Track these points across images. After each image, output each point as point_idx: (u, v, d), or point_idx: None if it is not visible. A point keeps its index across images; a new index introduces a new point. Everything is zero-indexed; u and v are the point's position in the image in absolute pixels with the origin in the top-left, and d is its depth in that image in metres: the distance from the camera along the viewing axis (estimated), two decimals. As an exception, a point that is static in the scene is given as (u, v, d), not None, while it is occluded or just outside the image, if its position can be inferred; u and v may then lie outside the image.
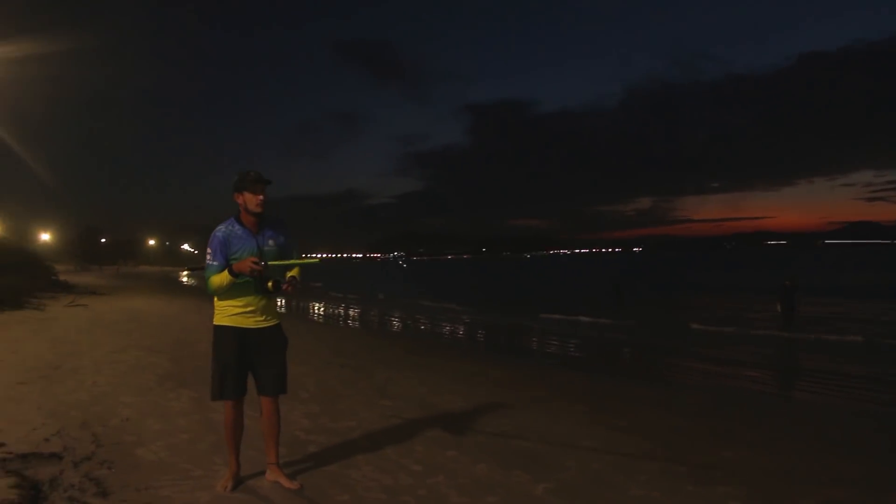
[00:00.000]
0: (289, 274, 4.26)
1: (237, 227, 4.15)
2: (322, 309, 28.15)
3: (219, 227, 4.14)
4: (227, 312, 4.16)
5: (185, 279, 66.29)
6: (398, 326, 21.41)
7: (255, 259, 3.98)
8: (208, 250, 4.10)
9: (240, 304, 4.14)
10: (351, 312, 26.65)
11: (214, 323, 4.21)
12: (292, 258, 4.25)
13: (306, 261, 4.23)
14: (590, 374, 11.33)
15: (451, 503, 4.15)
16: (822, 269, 62.79)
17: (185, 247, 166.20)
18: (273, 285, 4.09)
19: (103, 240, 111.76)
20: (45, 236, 79.01)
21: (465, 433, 5.97)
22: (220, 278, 4.01)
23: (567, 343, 16.47)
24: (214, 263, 4.05)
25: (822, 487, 4.84)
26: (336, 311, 27.07)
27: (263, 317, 4.21)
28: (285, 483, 4.29)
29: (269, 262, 4.09)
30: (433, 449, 5.38)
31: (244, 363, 4.19)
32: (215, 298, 4.19)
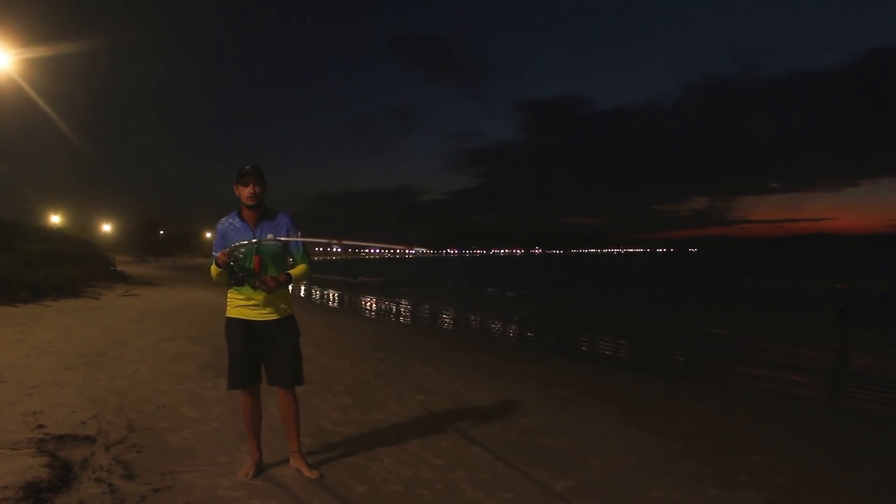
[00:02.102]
0: (293, 272, 4.29)
1: (237, 220, 4.28)
2: (368, 303, 28.40)
3: (221, 220, 4.30)
4: (234, 304, 4.29)
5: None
6: (443, 321, 21.50)
7: (227, 251, 4.07)
8: (213, 242, 4.31)
9: (242, 296, 4.25)
10: (397, 307, 26.82)
11: (226, 315, 4.36)
12: (298, 253, 4.35)
13: (242, 245, 4.17)
14: (627, 374, 11.24)
15: (466, 498, 4.17)
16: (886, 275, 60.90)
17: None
18: (234, 280, 4.13)
19: (161, 232, 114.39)
20: (107, 227, 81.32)
21: (492, 429, 5.98)
22: (214, 268, 4.19)
23: (610, 341, 16.33)
24: (214, 254, 4.20)
25: (849, 496, 4.74)
26: (382, 306, 27.28)
27: (268, 309, 4.28)
28: (305, 472, 4.37)
29: (238, 251, 4.14)
30: (458, 444, 5.41)
31: (252, 353, 4.28)
32: (228, 291, 4.32)
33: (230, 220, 4.28)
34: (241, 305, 4.25)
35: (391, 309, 26.14)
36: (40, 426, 5.06)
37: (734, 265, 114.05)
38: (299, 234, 4.32)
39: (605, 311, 25.15)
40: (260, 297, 4.22)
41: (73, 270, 20.61)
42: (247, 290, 4.20)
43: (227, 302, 4.33)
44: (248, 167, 4.18)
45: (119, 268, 32.96)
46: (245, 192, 4.18)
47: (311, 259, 4.42)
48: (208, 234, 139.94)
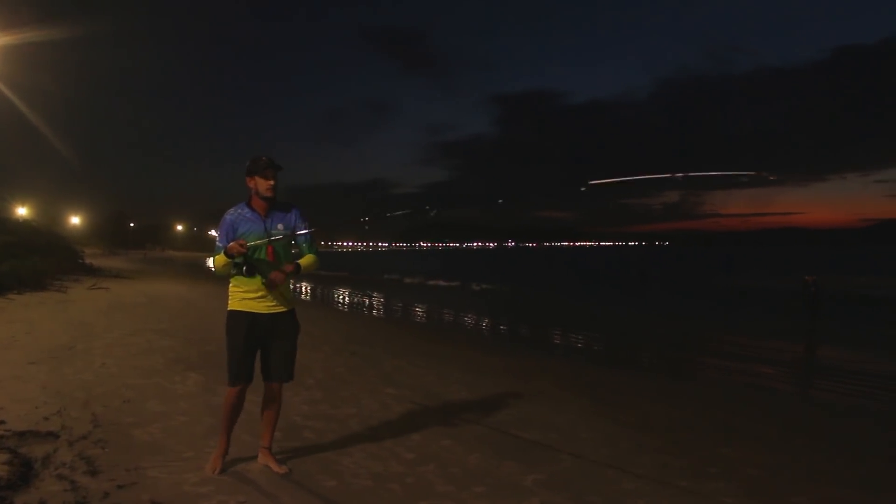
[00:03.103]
0: (301, 261, 4.28)
1: (246, 210, 4.21)
2: (342, 297, 28.29)
3: (229, 211, 4.21)
4: (239, 297, 4.20)
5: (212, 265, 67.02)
6: (417, 315, 21.46)
7: (243, 241, 4.02)
8: (217, 233, 4.18)
9: (251, 288, 4.16)
10: (370, 301, 26.74)
11: (228, 308, 4.24)
12: (305, 245, 4.34)
13: (264, 242, 4.17)
14: (599, 367, 11.32)
15: (436, 492, 4.14)
16: (853, 270, 61.83)
17: (212, 232, 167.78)
18: (247, 269, 4.09)
19: (132, 224, 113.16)
20: (75, 220, 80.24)
21: (464, 423, 5.97)
22: (220, 259, 4.09)
23: (583, 333, 16.40)
24: (220, 245, 4.12)
25: (817, 486, 4.78)
26: (356, 299, 27.19)
27: (275, 302, 4.23)
28: (274, 467, 4.31)
29: (249, 244, 4.08)
30: (429, 438, 5.39)
31: (253, 348, 4.22)
32: (230, 284, 4.24)
33: (239, 211, 4.21)
34: (249, 298, 4.18)
35: (364, 302, 26.05)
36: (1, 422, 4.94)
37: (706, 258, 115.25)
38: (306, 226, 4.31)
39: (578, 304, 25.25)
40: (265, 289, 4.17)
41: (40, 263, 20.27)
42: (256, 281, 4.14)
43: (228, 295, 4.25)
44: (265, 159, 4.14)
45: (88, 261, 32.51)
46: (265, 185, 4.15)
47: (318, 250, 4.42)
48: (179, 227, 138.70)
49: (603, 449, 5.38)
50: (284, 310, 4.30)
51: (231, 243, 4.03)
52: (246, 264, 4.08)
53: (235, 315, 4.20)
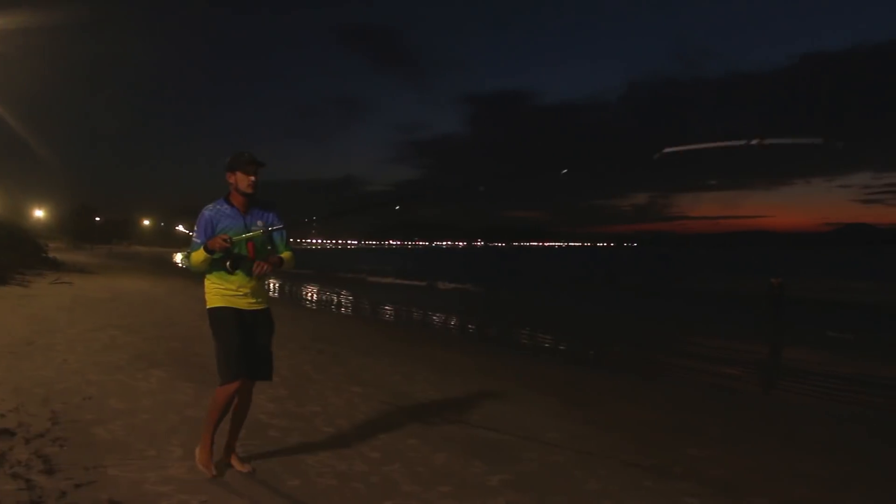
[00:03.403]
0: (283, 256, 4.25)
1: (225, 206, 4.14)
2: (311, 294, 28.12)
3: (207, 207, 4.13)
4: (221, 293, 4.12)
5: (180, 261, 66.17)
6: (385, 313, 21.39)
7: (226, 237, 3.96)
8: (194, 229, 4.10)
9: (232, 286, 4.10)
10: (338, 298, 26.61)
11: (209, 305, 4.15)
12: (282, 242, 4.30)
13: (256, 233, 4.13)
14: (567, 366, 11.39)
15: (401, 491, 4.11)
16: (818, 273, 62.80)
17: (180, 228, 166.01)
18: (231, 264, 4.03)
19: (98, 218, 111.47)
20: (39, 213, 78.87)
21: (430, 422, 5.94)
22: (199, 255, 4.01)
23: (550, 333, 16.46)
24: (198, 241, 4.04)
25: (780, 485, 4.85)
26: (324, 297, 27.03)
27: (255, 299, 4.19)
28: (237, 466, 4.25)
29: (234, 238, 4.03)
30: (395, 437, 5.35)
31: (242, 342, 4.13)
32: (206, 281, 4.16)
33: (218, 207, 4.13)
34: (231, 295, 4.10)
35: (332, 300, 25.91)
36: (-45, 419, 4.82)
37: (673, 260, 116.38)
38: (282, 224, 4.29)
39: (546, 304, 25.36)
40: (250, 285, 4.13)
41: (1, 257, 19.86)
42: (238, 277, 4.08)
43: (206, 292, 4.16)
44: (247, 155, 4.09)
45: (52, 255, 31.95)
46: (247, 181, 4.09)
47: (292, 248, 4.39)
48: (146, 222, 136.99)
49: (569, 449, 5.39)
50: (263, 307, 4.26)
51: (214, 238, 3.96)
52: (230, 259, 4.02)
53: (221, 311, 4.11)
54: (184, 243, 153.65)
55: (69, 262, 30.59)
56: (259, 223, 4.17)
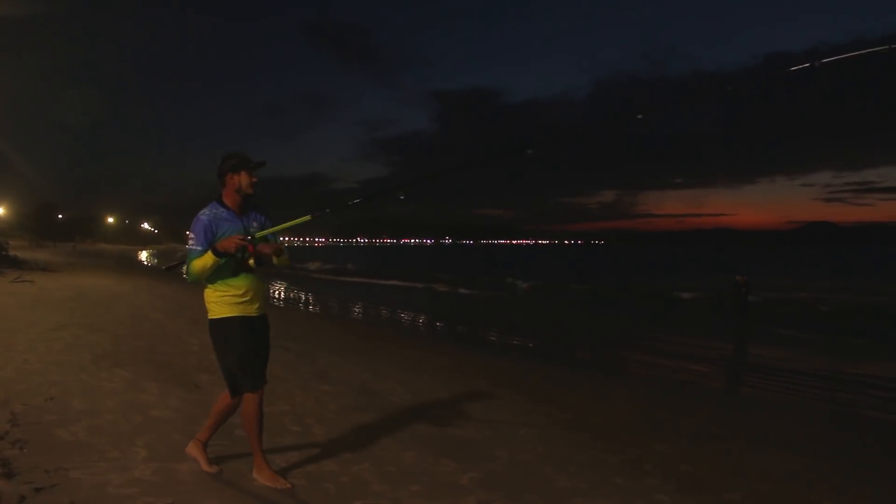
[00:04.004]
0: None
1: (221, 209, 4.03)
2: (277, 292, 27.89)
3: (202, 212, 4.00)
4: (229, 302, 4.00)
5: (145, 259, 65.32)
6: (354, 311, 21.29)
7: (242, 236, 3.91)
8: (191, 235, 3.94)
9: (240, 291, 4.00)
10: (307, 296, 26.43)
11: (216, 316, 4.03)
12: (274, 240, 4.20)
13: (300, 220, 4.17)
14: (538, 363, 11.38)
15: (371, 491, 4.07)
16: (781, 271, 63.71)
17: (145, 225, 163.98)
18: (255, 260, 4.00)
19: (60, 216, 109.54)
20: (-1, 210, 77.31)
21: (400, 421, 5.90)
22: (203, 261, 3.87)
23: (520, 331, 16.50)
24: (198, 248, 3.90)
25: (749, 481, 4.89)
26: (292, 295, 26.83)
27: (259, 305, 4.12)
28: (204, 465, 4.17)
29: (257, 235, 4.02)
30: (365, 436, 5.31)
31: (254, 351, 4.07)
32: (208, 291, 4.04)
33: (214, 210, 4.01)
34: (239, 302, 4.00)
35: (300, 298, 25.73)
36: (-89, 421, 4.67)
37: (640, 258, 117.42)
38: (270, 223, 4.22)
39: (517, 302, 25.43)
40: (257, 288, 4.08)
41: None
42: (246, 281, 4.01)
43: (213, 301, 4.03)
44: (237, 154, 4.05)
45: (12, 253, 31.33)
46: (248, 181, 4.04)
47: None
48: (110, 220, 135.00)
49: (539, 447, 5.39)
50: (265, 312, 4.20)
51: (228, 239, 3.88)
52: (252, 257, 3.97)
53: (229, 322, 4.00)
54: (150, 240, 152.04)
55: (31, 261, 30.01)
56: (255, 224, 4.09)
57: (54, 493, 3.59)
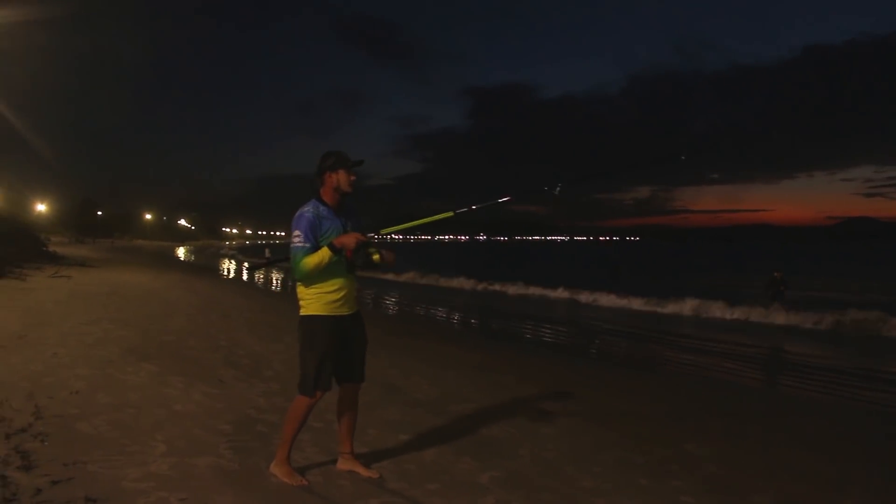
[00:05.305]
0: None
1: (322, 207, 4.03)
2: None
3: (305, 209, 4.00)
4: (323, 300, 4.00)
5: (182, 255, 66.11)
6: (383, 306, 21.30)
7: (360, 235, 3.93)
8: (297, 232, 3.92)
9: (333, 288, 4.00)
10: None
11: (307, 313, 4.03)
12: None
13: (441, 216, 4.25)
14: (567, 360, 11.25)
15: (388, 489, 4.01)
16: (820, 268, 62.52)
17: (182, 222, 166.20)
18: (379, 257, 4.00)
19: (100, 213, 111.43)
20: (41, 207, 78.85)
21: (423, 418, 5.85)
22: (319, 258, 3.86)
23: (550, 326, 16.38)
24: (306, 245, 3.89)
25: (779, 483, 4.75)
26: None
27: (353, 303, 4.14)
28: (363, 472, 4.21)
29: (383, 231, 4.08)
30: (386, 432, 5.26)
31: (340, 352, 4.08)
32: (301, 288, 4.03)
33: (316, 209, 4.00)
34: (334, 301, 4.01)
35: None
36: (-64, 413, 4.72)
37: (675, 254, 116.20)
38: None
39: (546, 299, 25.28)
40: (351, 287, 4.09)
41: (0, 251, 19.76)
42: (346, 281, 4.03)
43: (307, 298, 4.02)
44: (335, 153, 4.05)
45: (53, 249, 31.90)
46: (347, 179, 4.03)
47: None
48: (148, 216, 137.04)
49: (564, 446, 5.29)
50: (357, 309, 4.22)
51: (348, 236, 3.91)
52: (374, 255, 3.98)
53: (321, 320, 3.99)
54: (187, 237, 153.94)
55: (70, 256, 30.54)
56: (349, 223, 4.09)
57: (70, 486, 3.59)
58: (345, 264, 3.99)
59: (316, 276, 3.95)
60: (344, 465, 4.29)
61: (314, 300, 4.00)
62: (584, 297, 24.55)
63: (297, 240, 3.91)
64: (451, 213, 4.33)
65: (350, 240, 3.88)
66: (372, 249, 3.98)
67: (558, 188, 4.38)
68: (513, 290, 28.40)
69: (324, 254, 3.85)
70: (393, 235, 4.42)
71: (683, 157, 4.56)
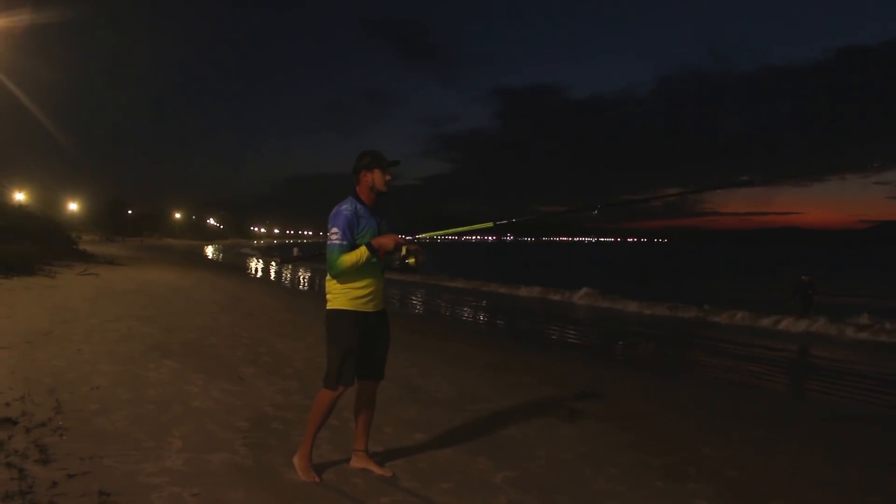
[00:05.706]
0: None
1: (359, 206, 4.05)
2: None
3: (343, 206, 4.02)
4: (350, 296, 4.02)
5: (211, 254, 66.66)
6: (409, 306, 21.32)
7: (401, 235, 3.98)
8: (334, 229, 3.94)
9: (361, 285, 4.02)
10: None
11: (333, 307, 4.06)
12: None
13: (481, 225, 4.36)
14: (587, 361, 11.19)
15: (401, 487, 4.01)
16: (850, 272, 61.57)
17: (211, 221, 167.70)
18: (415, 261, 4.00)
19: (130, 211, 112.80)
20: (73, 206, 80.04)
21: (439, 417, 5.83)
22: (356, 257, 3.88)
23: (574, 328, 16.30)
24: (344, 243, 3.91)
25: (797, 489, 4.67)
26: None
27: (379, 300, 4.16)
28: (376, 470, 4.22)
29: (420, 236, 4.13)
30: (402, 431, 5.26)
31: (363, 349, 4.09)
32: (331, 282, 4.05)
33: (354, 206, 4.03)
34: (360, 297, 4.03)
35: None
36: (-41, 407, 4.79)
37: (704, 256, 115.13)
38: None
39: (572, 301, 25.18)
40: (379, 285, 4.12)
41: (31, 248, 20.05)
42: (368, 279, 4.03)
43: (335, 293, 4.04)
44: (371, 152, 4.09)
45: (83, 247, 32.28)
46: (382, 179, 4.06)
47: None
48: (178, 215, 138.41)
49: (581, 447, 5.26)
50: (384, 307, 4.23)
51: (387, 237, 3.94)
52: (409, 257, 3.98)
53: (346, 315, 4.01)
54: (215, 236, 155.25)
55: (99, 254, 30.90)
56: (384, 222, 4.13)
57: (85, 480, 3.63)
58: (379, 264, 4.02)
59: (356, 273, 3.96)
60: (357, 462, 4.30)
61: (341, 294, 4.02)
62: (609, 301, 24.36)
63: (334, 237, 3.92)
64: (490, 224, 4.36)
65: (389, 241, 3.90)
66: (407, 253, 3.97)
67: (596, 210, 4.65)
68: (537, 292, 28.23)
69: (361, 253, 3.88)
70: (419, 235, 4.42)
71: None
